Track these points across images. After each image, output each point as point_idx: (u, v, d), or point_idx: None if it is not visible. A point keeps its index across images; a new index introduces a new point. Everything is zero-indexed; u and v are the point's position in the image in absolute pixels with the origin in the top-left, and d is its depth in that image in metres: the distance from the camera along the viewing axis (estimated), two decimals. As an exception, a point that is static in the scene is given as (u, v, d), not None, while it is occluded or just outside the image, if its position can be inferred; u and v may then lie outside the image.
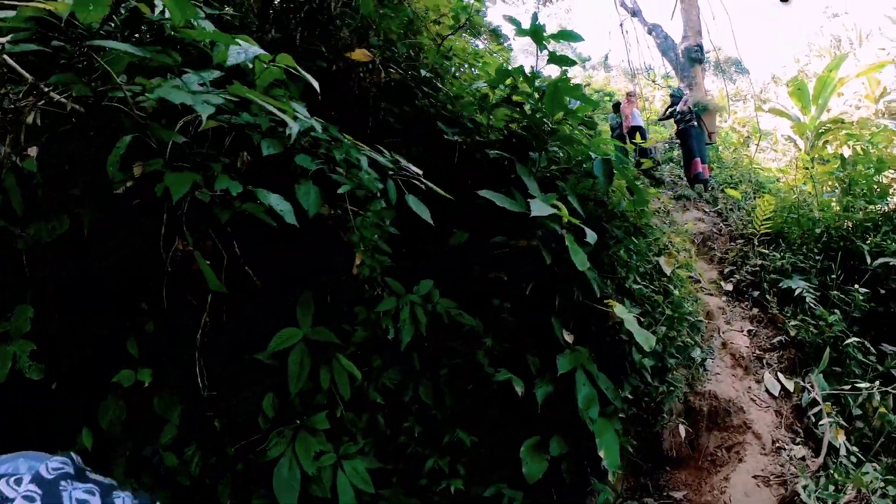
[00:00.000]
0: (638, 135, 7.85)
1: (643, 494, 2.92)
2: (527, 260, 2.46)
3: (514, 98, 4.09)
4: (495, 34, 15.85)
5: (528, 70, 3.27)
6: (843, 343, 3.73)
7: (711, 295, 4.87)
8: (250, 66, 1.59)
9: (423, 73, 2.98)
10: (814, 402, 3.38)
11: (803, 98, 12.31)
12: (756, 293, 4.67)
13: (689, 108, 7.37)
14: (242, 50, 1.47)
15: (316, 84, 1.59)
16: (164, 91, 1.28)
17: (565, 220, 2.38)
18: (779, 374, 3.71)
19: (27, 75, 1.24)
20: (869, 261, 4.22)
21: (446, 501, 1.99)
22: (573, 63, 4.11)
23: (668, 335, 2.97)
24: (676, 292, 3.10)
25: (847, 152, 5.54)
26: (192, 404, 1.62)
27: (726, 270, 5.19)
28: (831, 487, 2.68)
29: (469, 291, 2.42)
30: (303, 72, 1.61)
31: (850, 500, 2.58)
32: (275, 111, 1.45)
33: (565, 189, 2.83)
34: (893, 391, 3.38)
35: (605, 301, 2.45)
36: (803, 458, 3.05)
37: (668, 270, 3.72)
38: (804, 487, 2.72)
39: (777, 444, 3.15)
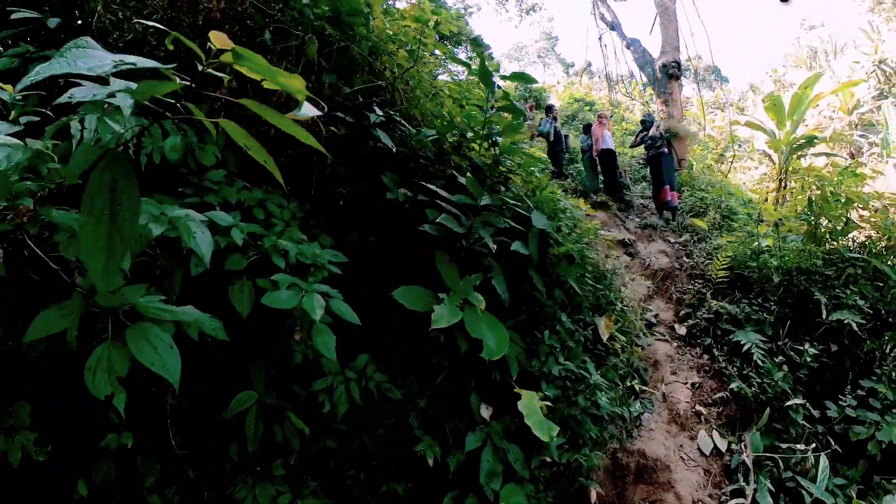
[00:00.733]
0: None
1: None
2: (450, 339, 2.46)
3: (464, 149, 3.86)
4: (476, 43, 15.51)
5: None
6: (785, 402, 3.61)
7: (664, 340, 4.72)
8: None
9: (374, 117, 2.78)
10: (745, 464, 3.24)
11: (779, 113, 12.26)
12: (708, 340, 4.53)
13: (661, 133, 7.21)
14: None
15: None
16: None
17: (480, 311, 2.24)
18: (715, 431, 3.58)
19: None
20: (825, 314, 4.08)
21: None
22: (533, 80, 3.82)
23: (581, 414, 2.84)
24: (594, 376, 2.95)
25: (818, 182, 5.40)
26: (169, 460, 1.90)
27: (682, 312, 5.05)
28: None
29: (413, 350, 2.62)
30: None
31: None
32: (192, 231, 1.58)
33: (493, 270, 2.64)
34: (828, 454, 3.27)
35: (518, 387, 2.51)
36: (723, 522, 2.92)
37: (605, 335, 3.56)
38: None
39: (696, 506, 3.03)
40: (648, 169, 7.27)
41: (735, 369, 4.06)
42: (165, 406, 1.86)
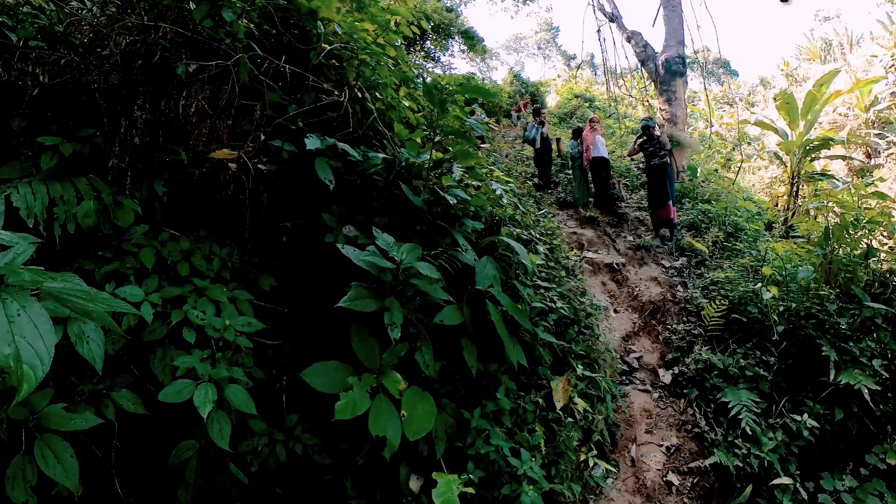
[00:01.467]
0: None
1: None
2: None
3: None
4: (467, 36, 14.70)
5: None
6: (771, 479, 3.00)
7: (644, 389, 4.07)
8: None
9: (311, 143, 2.48)
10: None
11: (791, 112, 11.49)
12: (695, 393, 3.89)
13: (667, 139, 6.46)
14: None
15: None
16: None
17: (400, 390, 2.14)
18: (685, 505, 2.96)
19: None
20: (832, 375, 3.42)
21: None
22: (490, 94, 3.53)
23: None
24: (525, 465, 2.42)
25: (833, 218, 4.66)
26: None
27: (669, 356, 4.39)
28: None
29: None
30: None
31: None
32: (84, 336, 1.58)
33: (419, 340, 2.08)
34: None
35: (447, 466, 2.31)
36: None
37: (560, 402, 2.95)
38: None
39: None
40: (648, 180, 6.51)
41: (720, 434, 3.43)
42: (111, 455, 1.88)
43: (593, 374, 3.52)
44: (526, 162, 8.85)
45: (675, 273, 5.61)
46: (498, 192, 4.25)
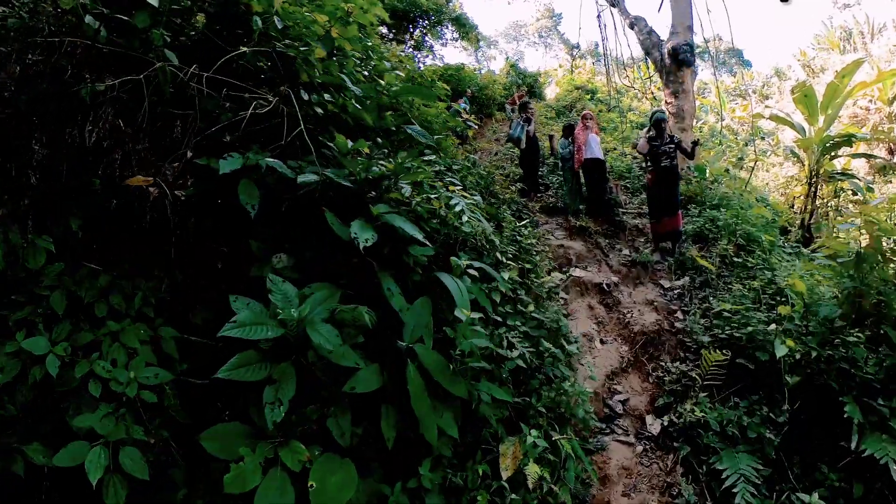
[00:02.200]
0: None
1: None
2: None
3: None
4: (459, 23, 13.77)
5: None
6: None
7: (625, 441, 3.39)
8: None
9: (224, 166, 2.28)
10: None
11: (810, 106, 10.63)
12: (687, 450, 3.20)
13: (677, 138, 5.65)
14: None
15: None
16: None
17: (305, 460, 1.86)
18: None
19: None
20: (855, 443, 2.72)
21: None
22: (432, 97, 3.76)
23: None
24: None
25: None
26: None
27: (660, 401, 3.70)
28: None
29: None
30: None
31: None
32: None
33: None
34: None
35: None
36: None
37: (506, 472, 2.37)
38: None
39: None
40: (653, 184, 5.62)
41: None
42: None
43: (555, 436, 2.84)
44: (515, 162, 8.10)
45: (675, 296, 4.87)
46: (459, 208, 3.56)
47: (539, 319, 3.54)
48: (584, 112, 6.73)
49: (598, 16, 9.45)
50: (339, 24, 3.03)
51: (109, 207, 2.18)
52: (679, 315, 4.58)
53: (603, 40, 9.95)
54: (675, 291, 4.93)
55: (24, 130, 2.09)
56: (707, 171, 9.28)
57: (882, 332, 3.26)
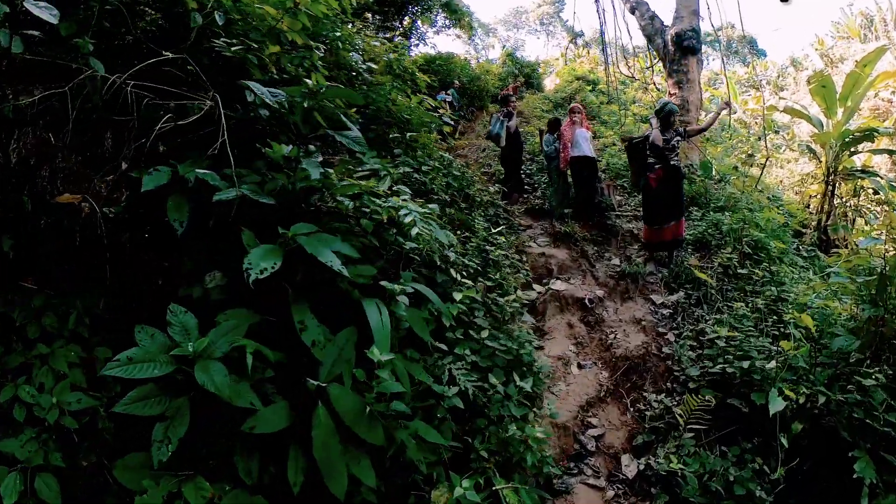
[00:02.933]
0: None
1: None
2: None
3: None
4: (450, 8, 13.08)
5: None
6: None
7: (595, 486, 2.92)
8: None
9: (148, 181, 2.20)
10: None
11: (828, 97, 9.96)
12: (665, 499, 2.71)
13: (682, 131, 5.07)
14: None
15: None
16: None
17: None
18: None
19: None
20: None
21: None
22: (358, 100, 3.34)
23: None
24: None
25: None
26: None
27: (640, 439, 3.20)
28: None
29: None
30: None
31: None
32: None
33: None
34: None
35: None
36: None
37: None
38: None
39: None
40: (658, 185, 4.96)
41: None
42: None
43: (497, 486, 2.36)
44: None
45: (667, 314, 4.32)
46: (408, 220, 3.10)
47: (492, 348, 3.05)
48: (572, 105, 6.15)
49: (597, 0, 8.82)
50: (289, 16, 2.88)
51: (40, 226, 2.16)
52: (670, 337, 4.04)
53: (601, 26, 9.30)
54: (668, 309, 4.38)
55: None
56: (713, 168, 8.66)
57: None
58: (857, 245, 6.49)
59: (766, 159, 6.74)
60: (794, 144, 14.74)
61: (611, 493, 2.91)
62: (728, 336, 3.36)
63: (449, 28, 13.52)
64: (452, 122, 9.93)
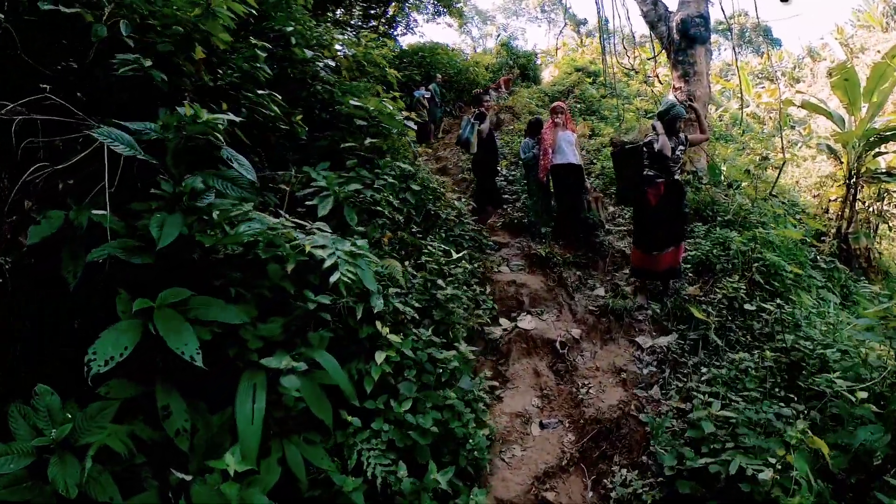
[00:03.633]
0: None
1: None
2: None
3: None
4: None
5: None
6: None
7: None
8: None
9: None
10: None
11: (851, 92, 9.11)
12: None
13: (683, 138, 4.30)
14: None
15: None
16: None
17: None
18: None
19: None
20: None
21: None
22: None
23: None
24: None
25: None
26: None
27: None
28: None
29: None
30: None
31: None
32: None
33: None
34: None
35: None
36: None
37: None
38: None
39: None
40: (657, 203, 4.17)
41: None
42: None
43: None
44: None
45: (655, 362, 3.60)
46: (330, 262, 2.54)
47: (414, 423, 2.39)
48: (553, 104, 5.36)
49: (595, -17, 7.99)
50: (206, 19, 2.76)
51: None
52: (654, 393, 3.34)
53: (599, 9, 8.47)
54: (656, 355, 3.66)
55: None
56: (721, 172, 7.85)
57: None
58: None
59: (784, 163, 5.92)
60: (811, 141, 13.81)
61: None
62: (719, 416, 2.64)
63: (440, 16, 12.68)
64: (426, 121, 9.20)
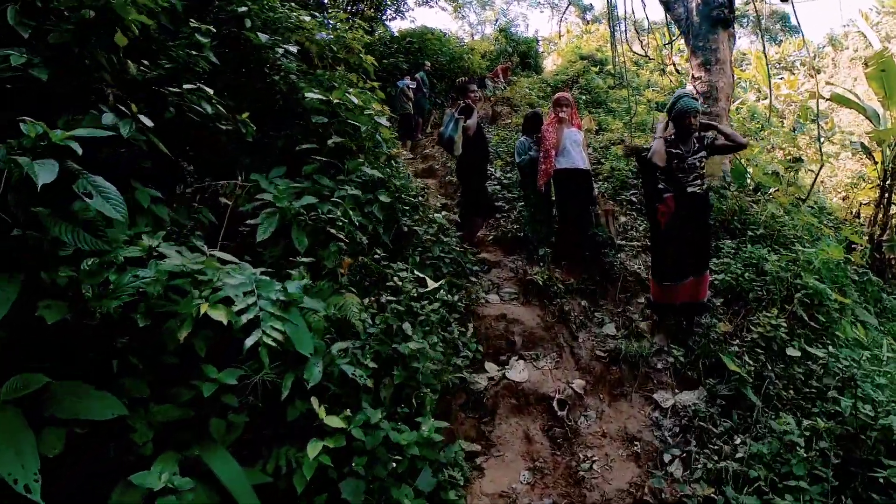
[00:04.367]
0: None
1: None
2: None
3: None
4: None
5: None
6: None
7: None
8: None
9: None
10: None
11: (888, 85, 8.39)
12: None
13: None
14: None
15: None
16: None
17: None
18: None
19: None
20: None
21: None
22: None
23: None
24: None
25: None
26: None
27: None
28: None
29: None
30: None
31: None
32: None
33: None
34: None
35: None
36: None
37: None
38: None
39: None
40: (669, 222, 3.50)
41: None
42: None
43: None
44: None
45: (676, 427, 2.90)
46: (248, 317, 1.84)
47: None
48: (557, 95, 4.57)
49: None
50: None
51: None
52: (676, 471, 2.65)
53: (608, -6, 7.70)
54: (678, 418, 2.96)
55: None
56: (748, 176, 7.09)
57: None
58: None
59: (821, 166, 5.18)
60: (834, 136, 13.04)
61: None
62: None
63: (431, 1, 11.88)
64: (411, 114, 8.45)
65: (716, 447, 2.74)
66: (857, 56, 20.27)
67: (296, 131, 4.05)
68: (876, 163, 8.60)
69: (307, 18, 4.94)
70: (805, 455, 2.53)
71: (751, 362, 3.20)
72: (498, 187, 5.72)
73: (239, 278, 2.17)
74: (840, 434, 2.68)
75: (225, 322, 1.91)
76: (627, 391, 3.20)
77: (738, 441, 2.75)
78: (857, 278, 5.30)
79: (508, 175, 5.78)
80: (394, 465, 2.16)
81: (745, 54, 19.90)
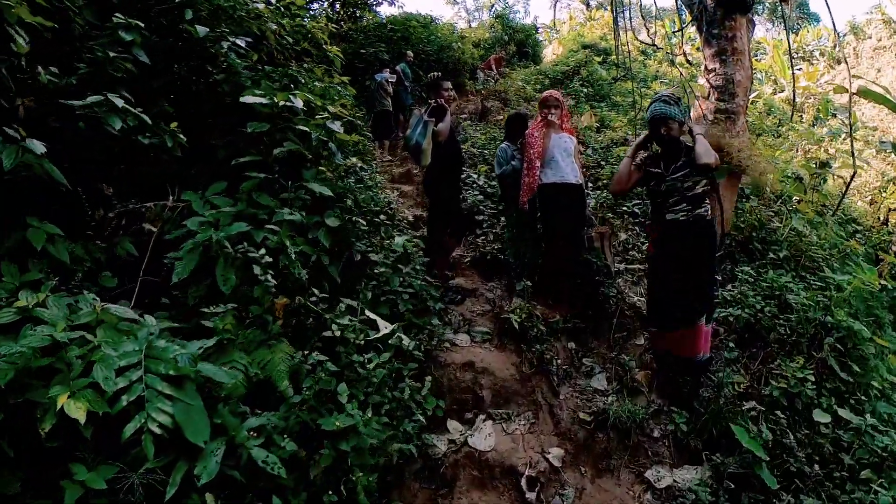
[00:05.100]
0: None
1: None
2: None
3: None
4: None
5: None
6: None
7: None
8: None
9: None
10: None
11: (921, 78, 7.77)
12: None
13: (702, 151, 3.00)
14: None
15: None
16: None
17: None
18: None
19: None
20: None
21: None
22: None
23: None
24: None
25: None
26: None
27: None
28: None
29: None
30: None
31: None
32: None
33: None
34: None
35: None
36: None
37: None
38: None
39: None
40: (654, 256, 3.09)
41: None
42: None
43: None
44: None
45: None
46: (129, 399, 1.27)
47: None
48: (545, 94, 3.96)
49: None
50: None
51: None
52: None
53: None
54: (675, 502, 2.44)
55: None
56: (768, 185, 6.48)
57: None
58: None
59: (854, 174, 4.60)
60: (856, 132, 12.38)
61: None
62: None
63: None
64: (389, 111, 7.87)
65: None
66: (880, 45, 19.55)
67: (239, 139, 3.55)
68: (908, 166, 8.03)
69: (261, 6, 4.39)
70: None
71: (768, 430, 2.67)
72: (480, 197, 5.16)
73: (125, 347, 1.79)
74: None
75: (83, 420, 1.49)
76: (615, 465, 2.67)
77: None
78: (888, 301, 4.78)
79: (493, 183, 5.23)
80: None
81: (759, 43, 19.19)
